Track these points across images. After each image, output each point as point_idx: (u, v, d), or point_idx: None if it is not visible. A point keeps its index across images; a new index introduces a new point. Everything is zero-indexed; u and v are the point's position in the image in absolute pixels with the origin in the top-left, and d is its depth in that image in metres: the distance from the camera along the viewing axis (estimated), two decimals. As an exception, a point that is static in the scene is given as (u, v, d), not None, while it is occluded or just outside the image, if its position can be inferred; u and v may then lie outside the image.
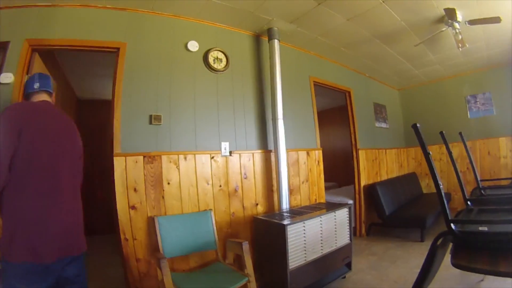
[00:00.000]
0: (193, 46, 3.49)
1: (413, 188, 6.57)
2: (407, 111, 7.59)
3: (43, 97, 2.02)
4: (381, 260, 4.08)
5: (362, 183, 5.46)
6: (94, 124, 6.58)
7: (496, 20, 3.69)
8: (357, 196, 5.42)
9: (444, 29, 3.93)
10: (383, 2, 3.44)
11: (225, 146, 3.57)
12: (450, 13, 3.62)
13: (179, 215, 3.12)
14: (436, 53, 5.29)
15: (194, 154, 3.33)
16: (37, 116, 1.83)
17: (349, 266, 3.65)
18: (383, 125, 6.58)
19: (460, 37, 3.93)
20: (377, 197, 5.17)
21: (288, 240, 2.90)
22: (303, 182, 4.30)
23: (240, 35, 3.98)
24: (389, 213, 5.11)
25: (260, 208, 3.78)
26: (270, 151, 3.95)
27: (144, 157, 3.02)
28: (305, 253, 3.09)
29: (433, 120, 6.75)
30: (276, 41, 3.86)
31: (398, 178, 6.41)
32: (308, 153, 4.44)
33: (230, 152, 3.60)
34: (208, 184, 3.39)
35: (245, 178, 3.70)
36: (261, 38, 4.15)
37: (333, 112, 8.58)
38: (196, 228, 3.11)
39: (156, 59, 3.28)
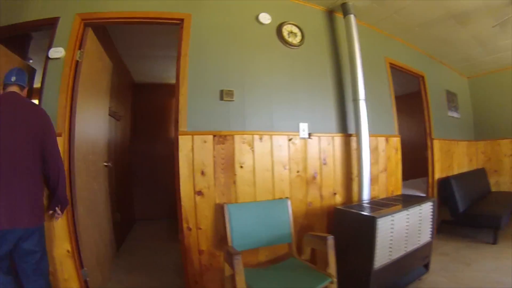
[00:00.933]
0: (265, 18, 3.21)
1: (482, 185, 6.02)
2: (477, 101, 6.92)
3: (14, 89, 2.23)
4: (453, 261, 3.70)
5: (436, 176, 5.00)
6: (149, 108, 6.72)
7: None
8: (430, 189, 4.95)
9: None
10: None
11: (304, 127, 3.25)
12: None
13: (252, 203, 2.86)
14: (510, 37, 4.79)
15: (271, 135, 3.04)
16: None
17: (426, 266, 3.29)
18: (455, 114, 6.02)
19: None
20: (451, 191, 4.70)
21: (377, 235, 2.55)
22: (381, 172, 3.90)
23: (312, 9, 3.64)
24: (463, 210, 4.65)
25: (339, 198, 3.44)
26: (350, 135, 3.59)
27: (214, 136, 2.77)
28: (391, 251, 2.72)
29: (504, 112, 6.17)
30: (352, 16, 3.52)
31: (469, 173, 5.88)
32: (387, 140, 4.04)
33: (309, 135, 3.27)
34: (285, 169, 3.10)
35: (324, 164, 3.36)
36: (334, 14, 3.80)
37: (398, 100, 8.14)
38: (271, 218, 2.83)
39: (224, 31, 3.04)
